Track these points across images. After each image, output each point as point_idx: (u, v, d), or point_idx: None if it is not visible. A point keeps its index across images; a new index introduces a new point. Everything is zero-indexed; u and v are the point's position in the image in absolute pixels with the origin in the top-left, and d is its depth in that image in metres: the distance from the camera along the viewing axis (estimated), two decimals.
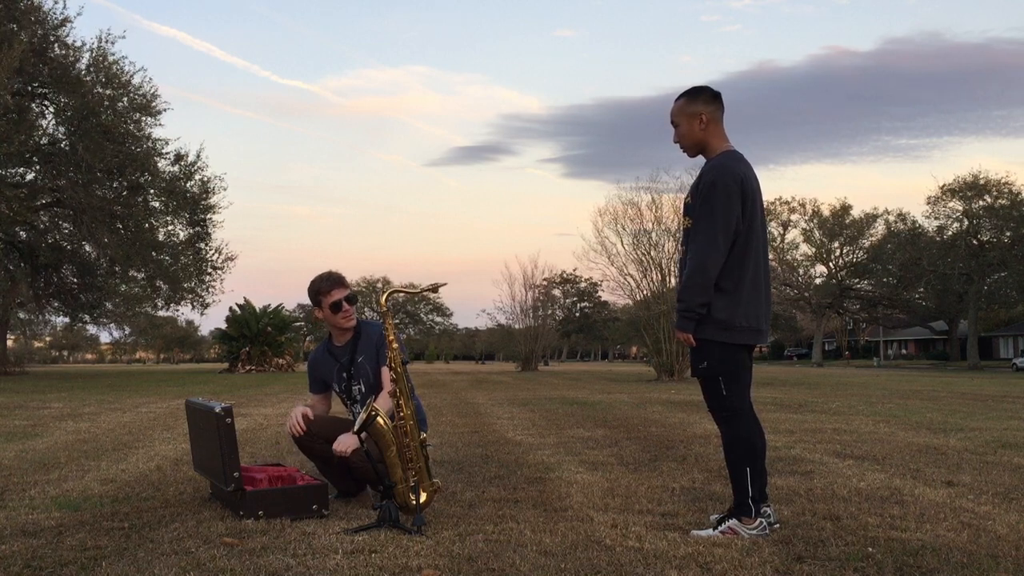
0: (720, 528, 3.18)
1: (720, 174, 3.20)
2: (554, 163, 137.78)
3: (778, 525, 3.30)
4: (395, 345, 3.50)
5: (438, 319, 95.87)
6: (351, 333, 4.06)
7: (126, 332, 78.29)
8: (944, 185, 45.58)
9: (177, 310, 30.54)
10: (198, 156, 27.37)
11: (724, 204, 3.15)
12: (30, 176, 24.59)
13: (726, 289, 3.20)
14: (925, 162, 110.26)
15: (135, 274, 28.47)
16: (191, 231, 28.11)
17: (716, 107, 3.34)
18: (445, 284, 3.58)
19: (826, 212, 59.37)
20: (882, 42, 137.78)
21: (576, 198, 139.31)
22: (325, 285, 3.97)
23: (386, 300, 3.55)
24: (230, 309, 36.09)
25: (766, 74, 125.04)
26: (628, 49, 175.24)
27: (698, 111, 3.31)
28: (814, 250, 60.92)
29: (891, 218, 53.25)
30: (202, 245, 28.57)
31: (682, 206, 3.42)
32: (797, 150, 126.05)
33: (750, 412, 3.28)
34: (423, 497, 3.43)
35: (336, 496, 3.92)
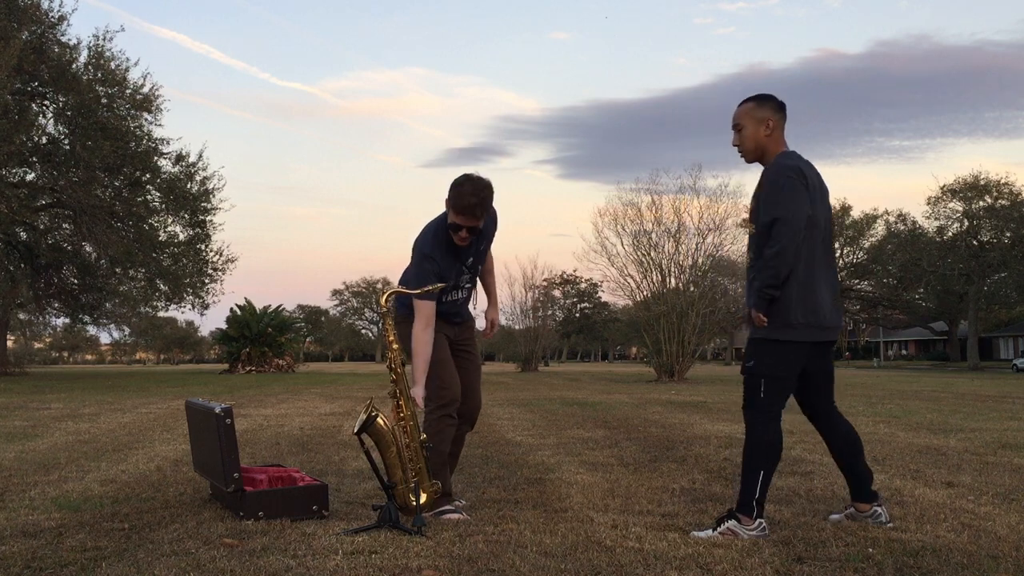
0: (719, 528, 3.19)
1: (785, 171, 3.21)
2: (549, 164, 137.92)
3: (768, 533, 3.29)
4: (395, 346, 3.50)
5: None
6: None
7: (126, 333, 78.26)
8: (944, 185, 45.61)
9: (179, 308, 30.48)
10: (199, 157, 27.40)
11: (791, 195, 3.16)
12: (30, 176, 24.58)
13: (787, 283, 3.20)
14: (919, 163, 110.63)
15: (135, 274, 28.44)
16: (191, 232, 28.09)
17: (782, 116, 3.37)
18: (445, 284, 3.58)
19: None
20: (872, 44, 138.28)
21: (571, 199, 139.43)
22: (460, 204, 3.55)
23: (386, 301, 3.55)
24: (231, 310, 36.12)
25: (758, 76, 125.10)
26: (622, 51, 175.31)
27: (766, 116, 3.33)
28: None
29: (891, 219, 53.26)
30: (202, 247, 28.54)
31: (748, 213, 3.40)
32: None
33: (779, 418, 3.27)
34: (423, 498, 3.43)
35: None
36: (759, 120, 3.33)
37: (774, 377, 3.24)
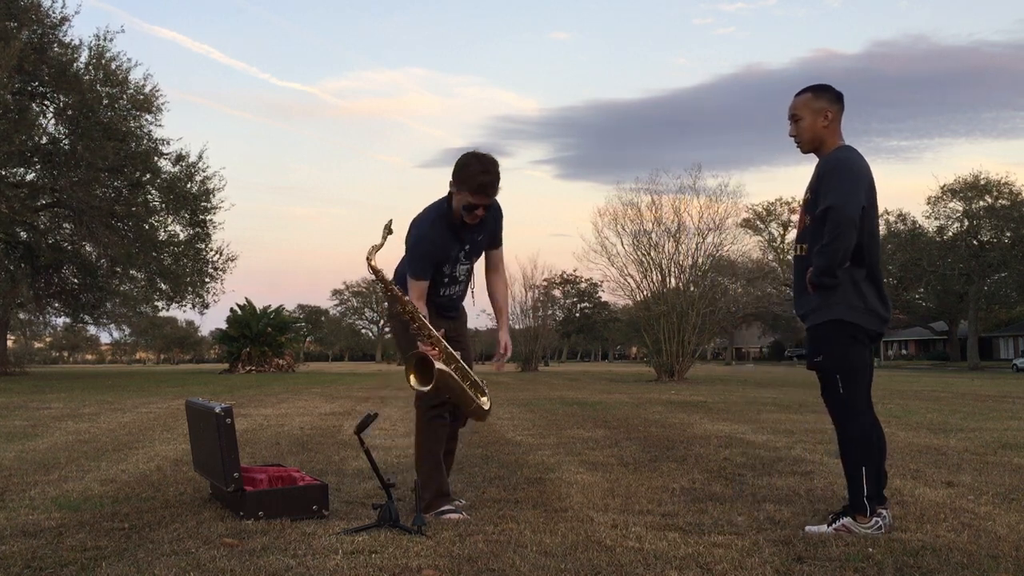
0: (834, 525, 3.19)
1: (842, 163, 3.21)
2: (548, 164, 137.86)
3: (892, 529, 3.25)
4: (405, 297, 3.45)
5: None
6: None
7: (126, 333, 78.20)
8: (945, 185, 45.63)
9: (180, 308, 30.52)
10: (199, 157, 27.42)
11: (848, 186, 3.14)
12: (30, 176, 24.58)
13: (851, 274, 3.20)
14: (917, 163, 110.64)
15: (135, 274, 28.47)
16: (191, 232, 28.11)
17: (840, 107, 3.35)
18: (391, 220, 3.51)
19: None
20: (870, 45, 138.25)
21: (569, 199, 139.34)
22: (474, 183, 3.44)
23: (374, 260, 3.40)
24: (231, 310, 36.17)
25: (756, 76, 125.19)
26: (622, 52, 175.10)
27: (824, 107, 3.31)
28: None
29: (891, 218, 53.26)
30: (202, 246, 28.56)
31: (802, 203, 3.39)
32: (789, 151, 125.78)
33: (868, 412, 3.25)
34: (486, 400, 3.65)
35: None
36: (817, 111, 3.31)
37: (849, 369, 3.21)
